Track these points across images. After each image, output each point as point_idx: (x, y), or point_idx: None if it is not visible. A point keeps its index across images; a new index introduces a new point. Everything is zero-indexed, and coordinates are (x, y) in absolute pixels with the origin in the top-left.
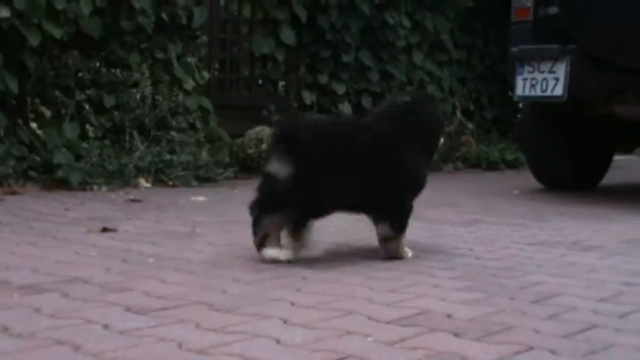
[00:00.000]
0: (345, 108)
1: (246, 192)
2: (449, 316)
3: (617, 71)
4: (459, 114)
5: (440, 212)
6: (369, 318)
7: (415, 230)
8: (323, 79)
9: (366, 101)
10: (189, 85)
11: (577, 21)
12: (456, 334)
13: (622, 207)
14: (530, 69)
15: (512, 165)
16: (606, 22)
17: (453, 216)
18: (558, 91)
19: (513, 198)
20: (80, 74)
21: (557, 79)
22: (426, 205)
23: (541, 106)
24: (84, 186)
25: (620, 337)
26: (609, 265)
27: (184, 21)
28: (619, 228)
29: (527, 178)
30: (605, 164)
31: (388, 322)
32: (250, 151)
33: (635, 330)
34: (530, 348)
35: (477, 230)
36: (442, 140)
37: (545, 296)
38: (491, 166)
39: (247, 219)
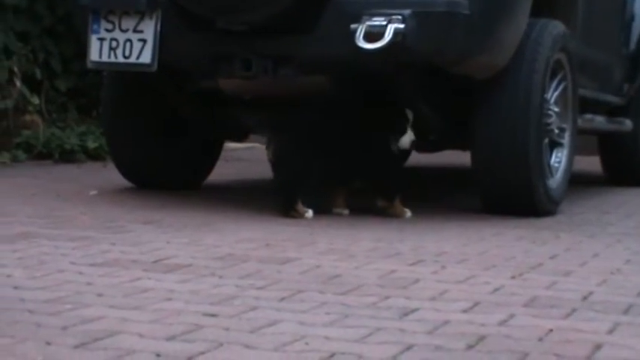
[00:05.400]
0: None
1: None
2: None
3: (220, 34)
4: (18, 84)
5: None
6: None
7: None
8: None
9: None
10: None
11: None
12: None
13: (227, 211)
14: (110, 26)
15: (97, 156)
16: None
17: None
18: (146, 57)
19: (88, 201)
20: None
21: (144, 42)
22: None
23: (125, 76)
24: None
25: None
26: (192, 291)
27: None
28: (217, 240)
29: (113, 174)
30: (212, 156)
31: None
32: None
33: None
34: None
35: (27, 248)
36: None
37: (97, 337)
38: (68, 156)
39: None
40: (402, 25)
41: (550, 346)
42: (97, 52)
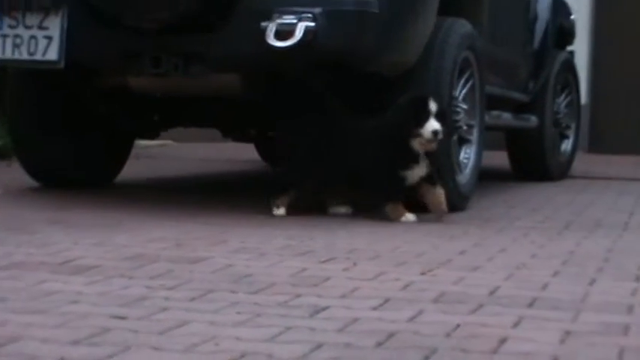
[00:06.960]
0: None
1: None
2: None
3: (129, 31)
4: None
5: None
6: None
7: None
8: None
9: None
10: None
11: None
12: None
13: (138, 210)
14: (13, 22)
15: (2, 154)
16: None
17: None
18: (52, 54)
19: None
20: None
21: (50, 38)
22: None
23: (31, 73)
24: None
25: None
26: (100, 292)
27: None
28: (127, 240)
29: (19, 173)
30: (122, 154)
31: None
32: None
33: None
34: None
35: None
36: None
37: None
38: None
39: None
40: (312, 24)
41: (457, 341)
42: (0, 49)
